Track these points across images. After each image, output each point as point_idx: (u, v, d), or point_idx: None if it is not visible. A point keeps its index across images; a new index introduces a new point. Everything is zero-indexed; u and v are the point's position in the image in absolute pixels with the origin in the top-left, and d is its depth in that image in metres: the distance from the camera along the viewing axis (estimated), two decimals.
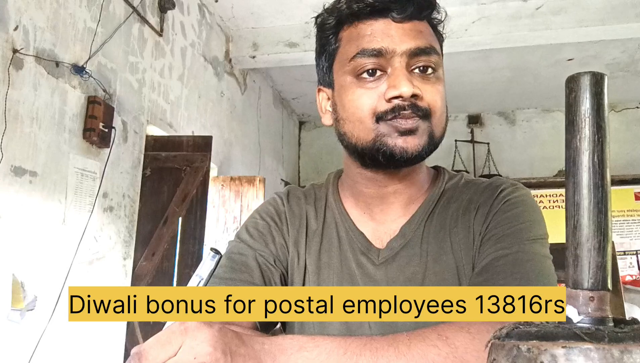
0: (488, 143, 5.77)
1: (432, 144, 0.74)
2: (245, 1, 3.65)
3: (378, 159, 0.73)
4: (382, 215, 0.81)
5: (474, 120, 5.86)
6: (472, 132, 5.86)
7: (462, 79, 4.89)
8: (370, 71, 0.73)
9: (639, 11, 3.43)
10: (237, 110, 4.21)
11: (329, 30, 0.78)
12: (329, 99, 0.81)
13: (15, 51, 1.97)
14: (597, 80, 0.32)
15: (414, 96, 0.71)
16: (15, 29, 1.99)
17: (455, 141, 5.71)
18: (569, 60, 4.50)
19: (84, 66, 2.34)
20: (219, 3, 3.68)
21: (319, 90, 0.84)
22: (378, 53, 0.72)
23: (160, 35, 3.06)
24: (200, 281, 0.60)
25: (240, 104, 4.27)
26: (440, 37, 0.80)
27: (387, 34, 0.73)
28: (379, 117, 0.72)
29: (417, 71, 0.73)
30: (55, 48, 2.21)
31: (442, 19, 0.79)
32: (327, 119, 0.81)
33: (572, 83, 0.32)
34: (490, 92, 5.29)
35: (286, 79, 4.89)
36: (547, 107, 5.71)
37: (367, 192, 0.81)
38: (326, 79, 0.81)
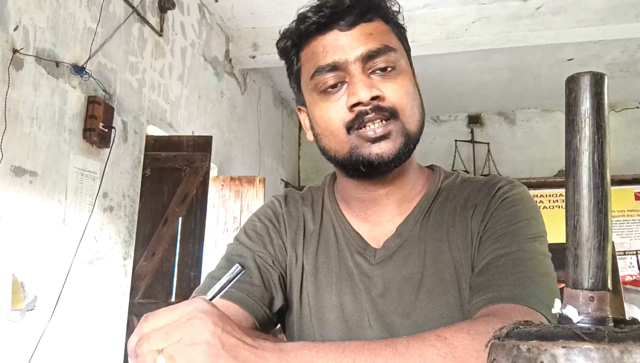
0: (488, 143, 5.76)
1: (410, 142, 0.74)
2: (245, 1, 3.65)
3: (359, 169, 0.74)
4: (377, 217, 0.81)
5: (474, 120, 5.86)
6: (472, 132, 5.86)
7: (462, 79, 4.88)
8: (332, 85, 0.74)
9: (639, 11, 3.43)
10: (237, 110, 4.21)
11: (290, 53, 0.81)
12: (307, 115, 0.83)
13: (15, 51, 1.97)
14: (597, 80, 0.32)
15: (374, 98, 0.71)
16: (15, 29, 1.99)
17: (455, 141, 5.71)
18: (569, 60, 4.50)
19: (84, 66, 2.34)
20: (219, 3, 3.68)
21: (299, 109, 0.86)
22: (333, 67, 0.73)
23: (160, 35, 3.06)
24: (214, 285, 0.61)
25: (240, 104, 4.27)
26: (399, 30, 0.80)
27: (337, 45, 0.74)
28: (349, 128, 0.73)
29: (378, 72, 0.73)
30: (55, 48, 2.20)
31: (398, 11, 0.79)
32: (310, 136, 0.83)
33: (572, 83, 0.32)
34: (490, 92, 5.28)
35: (286, 79, 4.83)
36: (547, 107, 5.70)
37: (359, 197, 0.82)
38: (300, 98, 0.83)
